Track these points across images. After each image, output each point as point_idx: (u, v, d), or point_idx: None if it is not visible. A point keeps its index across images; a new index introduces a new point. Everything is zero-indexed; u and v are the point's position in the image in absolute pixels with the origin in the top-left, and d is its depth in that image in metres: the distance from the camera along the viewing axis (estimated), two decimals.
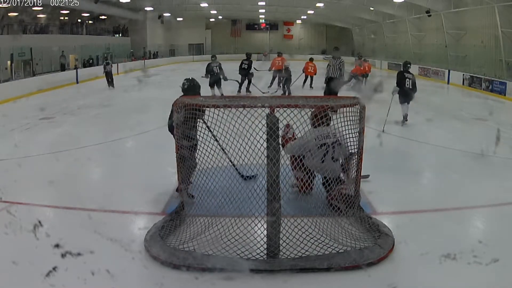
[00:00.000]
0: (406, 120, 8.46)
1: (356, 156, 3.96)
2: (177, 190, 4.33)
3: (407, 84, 8.18)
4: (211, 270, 3.06)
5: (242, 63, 12.57)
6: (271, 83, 13.87)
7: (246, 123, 3.28)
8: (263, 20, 39.08)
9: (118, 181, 5.31)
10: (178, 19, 33.48)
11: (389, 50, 26.95)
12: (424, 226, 3.93)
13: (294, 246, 3.24)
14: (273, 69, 13.67)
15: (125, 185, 5.14)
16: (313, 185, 4.26)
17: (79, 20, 25.29)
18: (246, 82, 12.55)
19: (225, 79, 11.38)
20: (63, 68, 19.57)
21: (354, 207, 3.89)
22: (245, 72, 12.47)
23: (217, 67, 11.31)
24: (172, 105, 3.91)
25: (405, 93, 8.18)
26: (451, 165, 5.97)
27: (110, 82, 15.54)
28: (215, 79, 11.30)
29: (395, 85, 8.17)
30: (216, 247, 3.25)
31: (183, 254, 3.24)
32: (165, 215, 4.01)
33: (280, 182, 3.21)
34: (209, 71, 11.32)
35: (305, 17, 34.62)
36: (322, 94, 9.34)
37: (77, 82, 17.31)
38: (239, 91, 12.38)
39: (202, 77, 10.53)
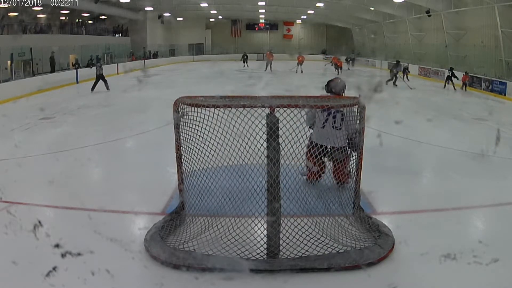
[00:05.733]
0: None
1: (356, 156, 3.96)
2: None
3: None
4: (211, 270, 3.05)
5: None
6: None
7: (246, 123, 3.28)
8: (263, 20, 39.07)
9: (118, 181, 5.31)
10: (178, 19, 33.46)
11: (389, 50, 26.94)
12: (424, 226, 3.93)
13: (294, 246, 3.24)
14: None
15: (125, 185, 5.14)
16: (320, 178, 4.32)
17: (79, 20, 25.28)
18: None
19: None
20: (53, 69, 18.54)
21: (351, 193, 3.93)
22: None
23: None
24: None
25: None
26: (451, 165, 5.97)
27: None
28: (245, 59, 26.09)
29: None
30: (216, 247, 3.25)
31: (183, 254, 3.23)
32: (165, 215, 4.01)
33: (280, 182, 3.21)
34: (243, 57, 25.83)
35: (305, 17, 34.62)
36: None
37: (77, 82, 17.29)
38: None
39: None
